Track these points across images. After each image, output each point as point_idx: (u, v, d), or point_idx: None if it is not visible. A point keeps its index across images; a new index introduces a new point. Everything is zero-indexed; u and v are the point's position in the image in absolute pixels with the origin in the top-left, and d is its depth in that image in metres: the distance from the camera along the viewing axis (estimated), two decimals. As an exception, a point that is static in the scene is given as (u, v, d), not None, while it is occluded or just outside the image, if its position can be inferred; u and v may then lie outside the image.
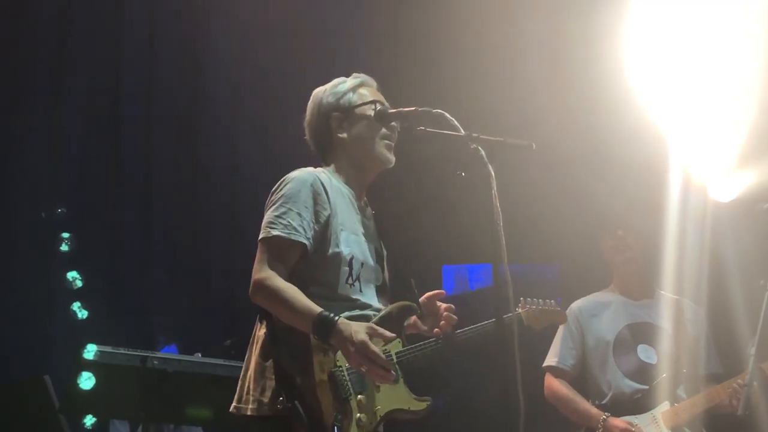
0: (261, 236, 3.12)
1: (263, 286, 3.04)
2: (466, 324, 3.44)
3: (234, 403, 3.15)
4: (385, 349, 3.13)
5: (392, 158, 3.38)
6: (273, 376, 3.02)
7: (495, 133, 3.03)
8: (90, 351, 4.42)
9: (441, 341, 3.32)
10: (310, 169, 3.28)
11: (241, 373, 3.18)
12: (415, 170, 6.69)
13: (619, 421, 4.50)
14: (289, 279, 3.08)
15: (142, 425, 4.58)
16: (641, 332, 4.70)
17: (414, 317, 3.37)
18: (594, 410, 4.59)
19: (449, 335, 3.35)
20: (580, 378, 4.78)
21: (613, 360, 4.65)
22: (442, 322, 3.33)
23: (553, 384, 4.75)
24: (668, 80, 5.53)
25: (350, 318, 3.05)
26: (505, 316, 2.89)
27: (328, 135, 3.38)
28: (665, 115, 5.51)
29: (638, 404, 4.54)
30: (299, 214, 3.12)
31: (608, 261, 4.90)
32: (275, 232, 3.09)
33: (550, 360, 4.78)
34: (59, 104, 6.60)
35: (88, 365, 4.43)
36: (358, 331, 2.94)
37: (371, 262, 3.31)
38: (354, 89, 3.40)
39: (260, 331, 3.14)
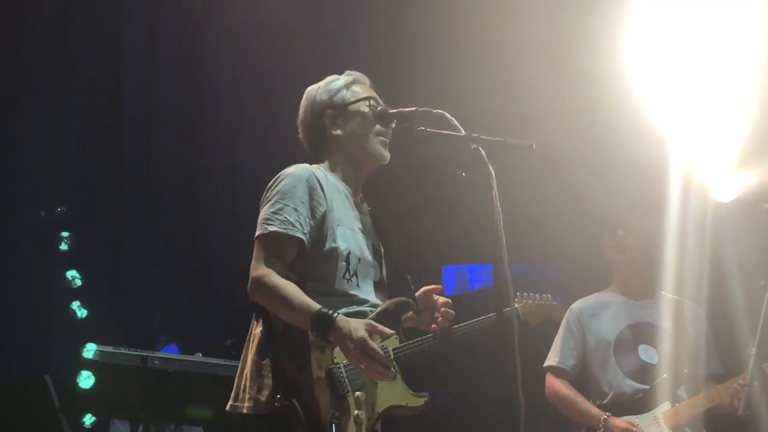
0: (258, 233, 3.12)
1: (261, 284, 3.04)
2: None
3: (230, 402, 3.14)
4: (383, 346, 3.11)
5: (387, 155, 3.38)
6: (270, 375, 3.02)
7: (495, 133, 3.03)
8: (89, 350, 4.42)
9: (438, 337, 3.33)
10: (305, 165, 3.28)
11: (238, 372, 3.17)
12: (415, 170, 6.71)
13: (620, 421, 4.50)
14: (287, 275, 3.08)
15: (143, 425, 4.58)
16: (642, 332, 4.70)
17: (410, 313, 3.37)
18: (595, 410, 4.59)
19: (446, 331, 3.35)
20: (581, 378, 4.78)
21: (614, 360, 4.65)
22: (440, 317, 3.33)
23: (554, 384, 4.75)
24: (668, 80, 5.52)
25: (347, 314, 3.04)
26: (504, 310, 2.90)
27: (321, 132, 3.38)
28: (665, 115, 5.51)
29: (639, 404, 4.54)
30: (296, 210, 3.12)
31: (608, 261, 4.90)
32: (272, 228, 3.09)
33: (551, 360, 4.78)
34: (59, 104, 6.60)
35: (88, 364, 4.43)
36: (357, 327, 2.94)
37: (368, 257, 3.30)
38: (347, 86, 3.40)
39: (256, 330, 3.14)
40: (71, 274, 6.39)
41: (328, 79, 3.45)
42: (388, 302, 3.29)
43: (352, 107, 3.36)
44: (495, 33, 6.51)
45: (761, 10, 5.25)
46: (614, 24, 5.62)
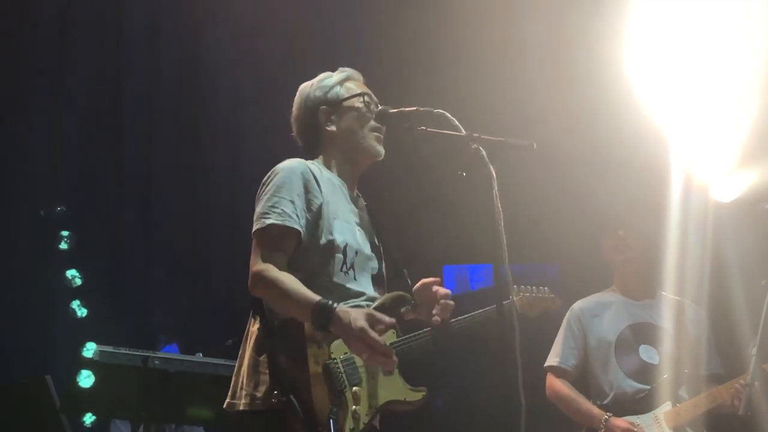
0: (255, 228, 3.12)
1: (261, 278, 3.04)
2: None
3: (228, 399, 3.14)
4: None
5: (382, 150, 3.38)
6: (267, 371, 3.01)
7: (495, 133, 3.03)
8: (89, 349, 4.42)
9: (435, 331, 3.32)
10: (300, 159, 3.29)
11: (235, 369, 3.17)
12: (415, 170, 6.71)
13: (621, 421, 4.49)
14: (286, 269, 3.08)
15: (144, 425, 4.58)
16: (643, 332, 4.70)
17: (407, 307, 3.36)
18: (596, 410, 4.59)
19: (444, 324, 3.34)
20: (581, 378, 4.78)
21: (615, 360, 4.65)
22: (440, 309, 3.32)
23: (555, 384, 4.75)
24: (669, 80, 5.52)
25: None
26: (504, 302, 2.90)
27: (316, 129, 3.39)
28: (666, 114, 5.51)
29: (640, 404, 4.54)
30: (292, 202, 3.12)
31: (608, 261, 4.90)
32: (270, 221, 3.08)
33: (552, 360, 4.78)
34: (59, 104, 6.59)
35: (88, 364, 4.42)
36: (357, 318, 2.93)
37: (366, 250, 3.30)
38: (341, 83, 3.42)
39: (253, 327, 3.13)
40: (71, 273, 6.38)
41: (322, 75, 3.47)
42: (385, 297, 3.29)
43: (346, 103, 3.37)
44: (495, 33, 6.51)
45: (761, 10, 5.25)
46: (614, 24, 5.62)
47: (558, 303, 4.08)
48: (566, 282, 6.59)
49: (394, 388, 3.18)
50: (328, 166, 3.35)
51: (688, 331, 4.70)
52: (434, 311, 3.31)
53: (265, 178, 3.21)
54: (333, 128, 3.36)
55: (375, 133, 3.36)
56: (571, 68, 6.22)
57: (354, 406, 3.00)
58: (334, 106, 3.37)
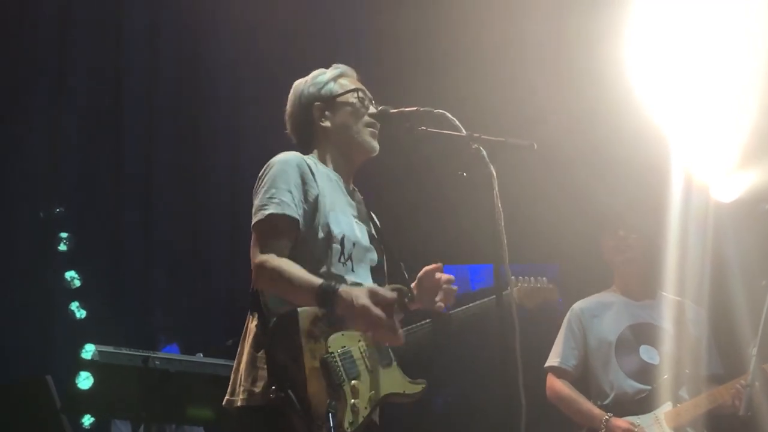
0: (255, 220, 3.11)
1: (263, 269, 3.04)
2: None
3: (226, 396, 3.13)
4: None
5: (376, 145, 3.38)
6: (264, 366, 3.00)
7: (495, 133, 3.03)
8: (88, 351, 4.42)
9: (433, 323, 3.31)
10: (295, 152, 3.29)
11: (234, 366, 3.16)
12: (416, 170, 6.71)
13: (621, 422, 4.49)
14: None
15: (144, 425, 4.57)
16: (643, 333, 4.69)
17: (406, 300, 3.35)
18: (596, 410, 4.59)
19: (443, 317, 3.33)
20: (582, 379, 4.78)
21: (616, 360, 4.65)
22: (442, 296, 3.32)
23: (556, 384, 4.74)
24: (669, 80, 5.52)
25: None
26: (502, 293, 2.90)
27: (310, 126, 3.39)
28: (666, 114, 5.51)
29: (641, 405, 4.54)
30: (289, 192, 3.12)
31: (609, 261, 4.90)
32: (269, 211, 3.08)
33: (552, 360, 4.78)
34: (59, 104, 6.59)
35: (87, 365, 4.42)
36: (359, 295, 2.93)
37: (364, 242, 3.29)
38: (335, 79, 3.41)
39: (252, 324, 3.13)
40: (70, 274, 6.38)
41: (315, 72, 3.46)
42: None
43: (340, 99, 3.37)
44: (495, 33, 6.52)
45: (761, 10, 5.25)
46: (614, 24, 5.62)
47: (557, 293, 4.06)
48: (566, 282, 6.56)
49: (393, 381, 3.16)
50: (323, 161, 3.35)
51: (688, 332, 4.71)
52: (437, 297, 3.31)
53: (261, 172, 3.21)
54: (327, 124, 3.36)
55: (370, 129, 3.36)
56: (571, 68, 6.22)
57: (353, 400, 2.98)
58: (328, 102, 3.37)
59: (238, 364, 3.13)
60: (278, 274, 3.01)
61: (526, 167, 5.03)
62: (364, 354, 3.08)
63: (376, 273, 3.33)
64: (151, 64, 6.95)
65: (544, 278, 3.99)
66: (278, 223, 3.09)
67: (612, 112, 5.79)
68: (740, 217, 5.27)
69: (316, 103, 3.37)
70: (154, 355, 4.54)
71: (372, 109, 3.37)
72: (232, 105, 7.17)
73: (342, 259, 3.18)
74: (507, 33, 6.47)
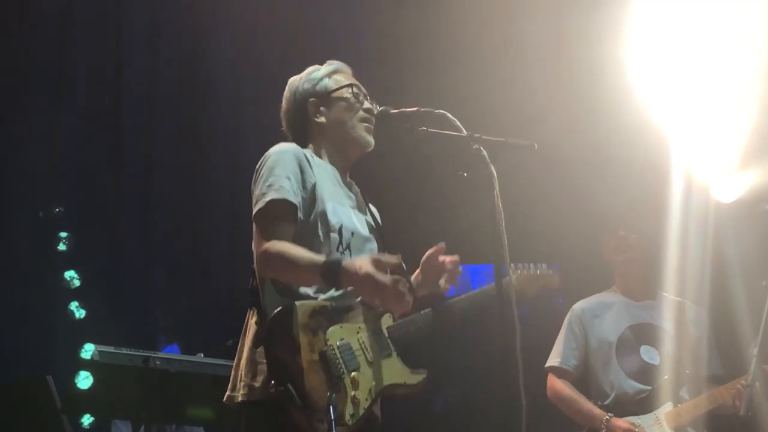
0: (256, 209, 3.11)
1: (266, 256, 3.04)
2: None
3: (227, 393, 3.13)
4: (377, 326, 3.13)
5: (371, 140, 3.38)
6: (264, 361, 3.00)
7: (495, 133, 3.03)
8: (87, 351, 4.41)
9: (433, 313, 3.31)
10: (291, 143, 3.29)
11: (234, 363, 3.16)
12: (416, 170, 6.72)
13: (622, 422, 4.49)
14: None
15: (144, 425, 4.58)
16: (644, 333, 4.69)
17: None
18: (597, 411, 4.59)
19: (442, 307, 3.33)
20: (582, 379, 4.78)
21: (616, 360, 4.65)
22: (447, 277, 3.31)
23: (556, 384, 4.74)
24: (670, 80, 5.52)
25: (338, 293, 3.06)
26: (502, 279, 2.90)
27: (305, 122, 3.39)
28: (667, 114, 5.51)
29: (641, 405, 4.54)
30: (288, 179, 3.12)
31: (609, 261, 4.90)
32: (269, 198, 3.09)
33: (553, 360, 4.78)
34: (59, 104, 6.59)
35: (87, 365, 4.42)
36: (362, 265, 2.93)
37: (362, 232, 3.29)
38: (329, 75, 3.42)
39: (252, 320, 3.12)
40: (69, 274, 6.38)
41: (310, 69, 3.48)
42: None
43: (335, 94, 3.37)
44: (495, 33, 6.52)
45: (761, 10, 5.25)
46: (615, 24, 5.62)
47: (557, 279, 4.02)
48: (566, 282, 6.57)
49: (393, 372, 3.15)
50: (319, 156, 3.35)
51: (689, 332, 4.70)
52: (441, 280, 3.32)
53: (258, 164, 3.22)
54: (322, 120, 3.36)
55: (365, 124, 3.37)
56: (571, 68, 6.23)
57: (353, 392, 2.97)
58: (323, 97, 3.37)
59: (239, 360, 3.13)
60: (282, 257, 3.01)
61: (527, 167, 5.03)
62: (363, 346, 3.08)
63: None
64: (151, 64, 6.95)
65: (543, 264, 3.97)
66: (279, 208, 3.09)
67: (612, 112, 5.79)
68: (740, 217, 5.26)
69: (311, 99, 3.38)
70: (155, 355, 4.54)
71: (367, 104, 3.38)
72: (232, 105, 7.17)
73: (340, 249, 3.18)
74: (507, 33, 6.48)
